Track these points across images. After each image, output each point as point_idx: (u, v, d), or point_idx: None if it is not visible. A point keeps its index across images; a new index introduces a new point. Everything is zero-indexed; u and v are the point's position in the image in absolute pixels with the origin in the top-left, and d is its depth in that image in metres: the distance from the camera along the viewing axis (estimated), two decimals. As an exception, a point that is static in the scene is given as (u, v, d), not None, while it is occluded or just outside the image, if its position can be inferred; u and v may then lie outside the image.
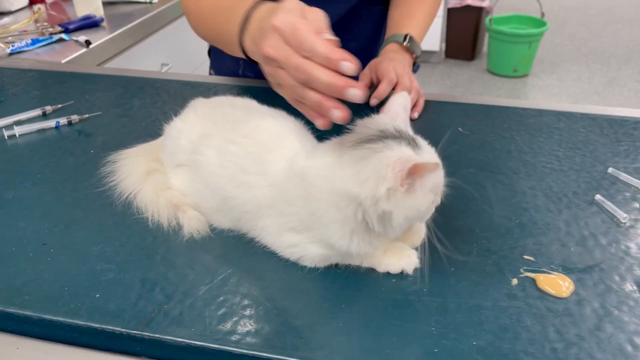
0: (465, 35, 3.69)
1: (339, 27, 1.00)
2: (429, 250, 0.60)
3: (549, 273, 0.59)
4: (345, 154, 0.54)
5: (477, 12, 3.56)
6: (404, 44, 0.98)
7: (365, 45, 1.13)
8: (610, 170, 0.76)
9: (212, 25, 0.83)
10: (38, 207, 0.70)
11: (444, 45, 3.79)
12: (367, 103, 0.91)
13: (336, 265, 0.60)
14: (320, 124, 0.60)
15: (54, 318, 0.54)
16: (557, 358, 0.49)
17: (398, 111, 0.58)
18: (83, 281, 0.58)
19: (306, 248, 0.58)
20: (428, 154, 0.56)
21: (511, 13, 3.58)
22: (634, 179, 0.74)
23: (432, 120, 0.90)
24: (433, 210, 0.58)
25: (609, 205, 0.69)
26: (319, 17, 0.59)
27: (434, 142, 0.84)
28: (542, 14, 3.44)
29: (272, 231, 0.61)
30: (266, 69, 0.63)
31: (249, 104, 0.73)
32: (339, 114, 0.57)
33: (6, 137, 0.87)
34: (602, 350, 0.50)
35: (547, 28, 3.41)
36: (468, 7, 3.56)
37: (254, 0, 0.68)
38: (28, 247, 0.63)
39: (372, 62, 0.96)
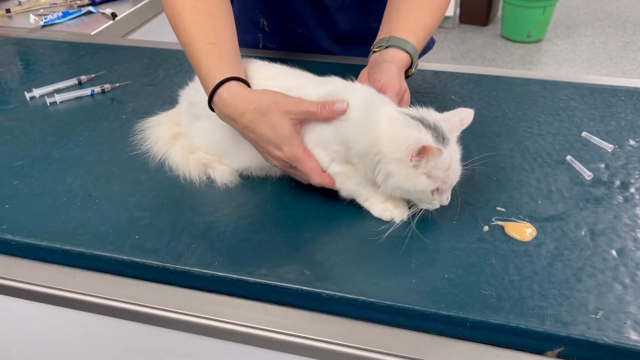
0: (479, 0, 3.69)
1: (360, 8, 1.07)
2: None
3: (516, 221, 0.69)
4: (396, 118, 0.67)
5: (492, -23, 3.56)
6: (411, 71, 0.83)
7: None
8: (583, 134, 0.85)
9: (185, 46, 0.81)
10: (81, 164, 0.82)
11: (458, 10, 3.80)
12: None
13: (339, 218, 0.71)
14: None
15: (103, 254, 0.66)
16: (513, 287, 0.60)
17: (453, 118, 0.69)
18: (124, 225, 0.70)
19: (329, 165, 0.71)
20: (450, 152, 0.66)
21: (526, -23, 3.57)
22: (603, 141, 0.83)
23: (427, 89, 0.99)
24: (430, 200, 0.67)
25: (577, 165, 0.78)
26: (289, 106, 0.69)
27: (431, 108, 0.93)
28: (558, -22, 3.43)
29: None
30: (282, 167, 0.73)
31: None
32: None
33: (48, 104, 0.98)
34: (551, 282, 0.61)
35: (562, -8, 3.40)
36: (483, -29, 3.55)
37: (218, 77, 0.72)
38: (76, 197, 0.75)
39: (372, 70, 0.80)
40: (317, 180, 0.70)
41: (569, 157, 0.80)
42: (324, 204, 0.73)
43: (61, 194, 0.76)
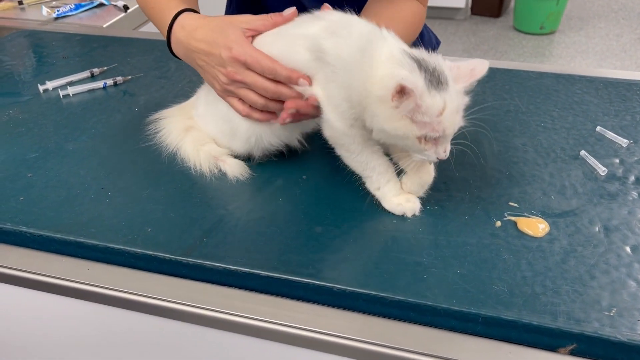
0: (492, -9, 3.66)
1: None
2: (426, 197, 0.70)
3: (528, 217, 0.69)
4: (395, 56, 0.63)
5: (505, -32, 3.52)
6: None
7: None
8: (598, 128, 0.84)
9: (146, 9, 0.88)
10: (95, 157, 0.82)
11: (470, 1, 3.77)
12: None
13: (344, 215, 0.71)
14: (280, 120, 0.73)
15: (116, 246, 0.66)
16: (525, 283, 0.60)
17: (464, 67, 0.64)
18: (136, 218, 0.70)
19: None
20: (446, 99, 0.61)
21: (540, -32, 3.53)
22: (618, 136, 0.82)
23: (440, 82, 0.99)
24: (421, 149, 0.64)
25: (591, 160, 0.78)
26: (247, 22, 0.73)
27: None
28: (572, -31, 3.38)
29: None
30: (227, 88, 0.74)
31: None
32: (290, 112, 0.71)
33: (61, 96, 0.99)
34: (563, 278, 0.60)
35: (576, -17, 3.36)
36: (496, -38, 3.52)
37: (174, 10, 0.79)
38: (90, 190, 0.75)
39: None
40: (283, 91, 0.70)
41: (583, 152, 0.79)
42: (335, 198, 0.72)
43: (75, 187, 0.76)
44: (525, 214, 0.69)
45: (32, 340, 0.79)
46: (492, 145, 0.82)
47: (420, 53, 0.64)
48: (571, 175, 0.76)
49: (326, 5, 0.74)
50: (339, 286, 0.60)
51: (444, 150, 0.65)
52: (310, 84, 0.69)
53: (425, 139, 0.63)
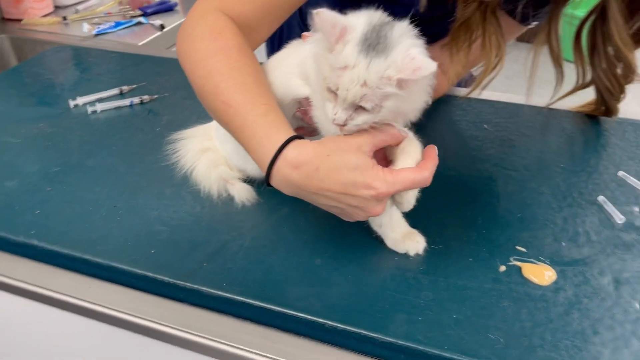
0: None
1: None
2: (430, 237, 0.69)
3: (535, 263, 0.67)
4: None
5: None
6: None
7: None
8: (620, 173, 0.81)
9: (211, 105, 0.72)
10: (112, 174, 0.85)
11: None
12: None
13: (349, 245, 0.70)
14: None
15: (119, 266, 0.67)
16: (523, 334, 0.58)
17: (416, 60, 0.55)
18: (142, 239, 0.72)
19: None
20: (360, 63, 0.56)
21: (589, -3, 3.44)
22: (640, 183, 0.79)
23: (460, 116, 0.97)
24: (324, 98, 0.61)
25: (610, 207, 0.75)
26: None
27: (458, 138, 0.92)
28: None
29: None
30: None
31: None
32: None
33: (89, 112, 1.03)
34: (564, 331, 0.58)
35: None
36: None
37: (270, 132, 0.64)
38: (102, 207, 0.77)
39: None
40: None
41: (601, 198, 0.76)
42: (340, 231, 0.72)
43: (89, 203, 0.78)
44: (532, 260, 0.67)
45: (30, 351, 0.81)
46: (507, 184, 0.80)
47: (393, 23, 0.59)
48: (586, 222, 0.73)
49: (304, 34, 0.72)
50: (330, 323, 0.59)
51: (335, 113, 0.59)
52: None
53: (330, 90, 0.59)
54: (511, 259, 0.67)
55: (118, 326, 0.65)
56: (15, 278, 0.70)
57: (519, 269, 0.66)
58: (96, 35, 1.42)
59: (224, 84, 0.68)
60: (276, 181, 0.63)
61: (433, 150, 0.65)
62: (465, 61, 0.83)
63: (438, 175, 0.81)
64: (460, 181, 0.81)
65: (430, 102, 0.65)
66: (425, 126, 0.94)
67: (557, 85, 0.91)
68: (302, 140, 0.63)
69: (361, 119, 0.59)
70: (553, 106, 0.98)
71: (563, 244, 0.69)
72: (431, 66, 0.55)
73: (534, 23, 0.93)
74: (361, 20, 0.59)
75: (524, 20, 0.89)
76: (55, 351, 0.79)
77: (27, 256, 0.72)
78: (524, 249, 0.69)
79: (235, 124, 0.67)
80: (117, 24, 1.45)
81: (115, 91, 1.09)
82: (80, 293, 0.67)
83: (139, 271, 0.67)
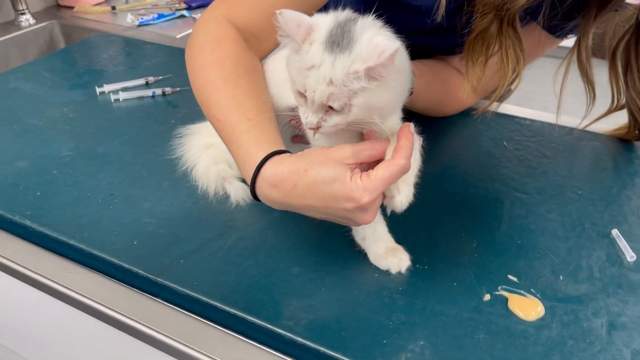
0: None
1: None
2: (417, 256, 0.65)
3: (524, 295, 0.62)
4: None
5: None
6: None
7: None
8: (642, 206, 0.74)
9: (209, 111, 0.72)
10: (117, 162, 0.86)
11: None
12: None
13: (332, 260, 0.68)
14: None
15: (100, 254, 0.68)
16: (491, 372, 0.53)
17: (379, 45, 0.53)
18: (129, 229, 0.72)
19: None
20: (325, 61, 0.54)
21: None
22: (663, 219, 0.71)
23: (481, 131, 0.92)
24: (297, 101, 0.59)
25: (622, 242, 0.68)
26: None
27: (473, 153, 0.87)
28: None
29: None
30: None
31: None
32: None
33: (112, 100, 1.05)
34: (538, 374, 0.53)
35: None
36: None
37: (258, 155, 0.61)
38: (100, 195, 0.79)
39: None
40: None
41: (615, 231, 0.70)
42: (324, 241, 0.70)
43: (88, 189, 0.80)
44: (522, 292, 0.62)
45: (15, 332, 0.84)
46: (513, 207, 0.75)
47: (365, 19, 0.57)
48: (592, 256, 0.67)
49: None
50: (290, 335, 0.57)
51: (306, 116, 0.57)
52: None
53: (300, 94, 0.57)
54: (499, 288, 0.63)
55: (89, 314, 0.66)
56: (4, 256, 0.72)
57: (506, 299, 0.61)
58: (139, 25, 1.46)
59: (215, 97, 0.68)
60: (261, 198, 0.62)
61: (406, 128, 0.60)
62: (482, 74, 0.78)
63: (439, 190, 0.78)
64: (463, 199, 0.77)
65: (411, 92, 0.63)
66: (442, 138, 0.91)
67: (589, 105, 0.85)
68: (280, 156, 0.60)
69: (333, 121, 0.57)
70: (581, 127, 0.92)
71: (560, 277, 0.64)
72: (393, 45, 0.52)
73: (570, 36, 0.87)
74: (327, 19, 0.56)
75: (553, 32, 0.83)
76: (31, 332, 0.81)
77: (20, 236, 0.74)
78: (515, 279, 0.64)
79: (224, 138, 0.67)
80: (160, 16, 1.48)
81: (141, 81, 1.11)
82: (60, 277, 0.68)
83: (116, 261, 0.67)
